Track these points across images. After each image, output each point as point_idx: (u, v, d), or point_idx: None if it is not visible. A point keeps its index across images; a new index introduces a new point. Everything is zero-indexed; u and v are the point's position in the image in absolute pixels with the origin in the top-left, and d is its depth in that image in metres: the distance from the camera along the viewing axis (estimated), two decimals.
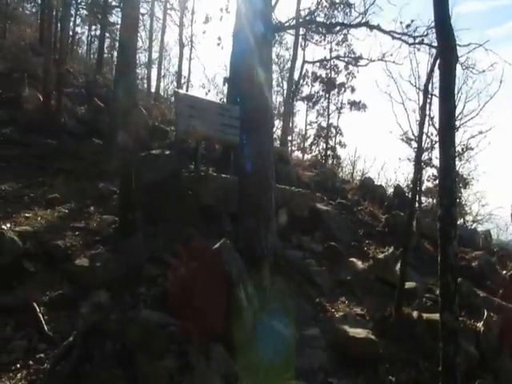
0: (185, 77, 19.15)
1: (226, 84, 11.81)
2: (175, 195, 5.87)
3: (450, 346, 2.32)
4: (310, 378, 3.56)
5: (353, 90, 22.43)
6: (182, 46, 16.67)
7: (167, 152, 6.61)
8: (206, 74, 46.51)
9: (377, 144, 40.73)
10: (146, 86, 18.26)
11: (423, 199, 17.86)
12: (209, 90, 19.53)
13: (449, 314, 2.32)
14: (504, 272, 6.50)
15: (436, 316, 4.59)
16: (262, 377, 3.46)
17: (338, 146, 22.24)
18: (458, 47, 2.83)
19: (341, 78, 22.43)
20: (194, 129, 6.55)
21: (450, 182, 2.43)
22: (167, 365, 2.96)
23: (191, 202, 6.10)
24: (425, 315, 4.53)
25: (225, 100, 11.90)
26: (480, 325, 4.64)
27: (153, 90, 17.52)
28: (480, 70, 17.26)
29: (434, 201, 17.20)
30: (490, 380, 4.24)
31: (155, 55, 19.41)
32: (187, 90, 17.75)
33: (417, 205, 16.14)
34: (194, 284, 3.78)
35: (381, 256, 5.69)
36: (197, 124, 6.65)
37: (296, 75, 17.87)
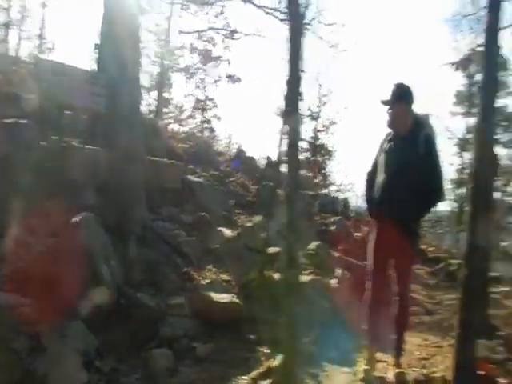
0: (50, 41, 17.57)
1: (97, 51, 11.12)
2: (33, 169, 5.44)
3: (292, 299, 2.54)
4: (174, 345, 3.64)
5: (229, 63, 22.59)
6: (44, 6, 15.21)
7: (24, 121, 6.06)
8: (75, 39, 43.05)
9: (254, 117, 41.80)
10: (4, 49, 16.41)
11: None
12: (78, 56, 18.21)
13: (291, 270, 2.53)
14: (357, 234, 7.24)
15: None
16: (125, 349, 3.45)
17: (214, 119, 22.36)
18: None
19: (218, 51, 22.40)
20: (56, 97, 6.08)
21: (292, 151, 2.61)
22: (17, 347, 2.80)
23: (52, 176, 5.71)
24: None
25: (96, 67, 11.21)
26: (333, 281, 5.13)
27: (13, 53, 15.82)
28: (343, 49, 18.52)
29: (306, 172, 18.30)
30: (341, 330, 4.72)
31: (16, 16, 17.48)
32: (51, 55, 16.33)
33: None
34: (51, 261, 3.60)
35: (249, 224, 5.94)
36: (60, 92, 6.18)
37: (174, 46, 17.47)
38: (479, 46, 4.23)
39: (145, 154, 5.72)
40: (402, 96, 3.64)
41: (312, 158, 18.76)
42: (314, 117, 20.03)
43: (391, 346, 3.73)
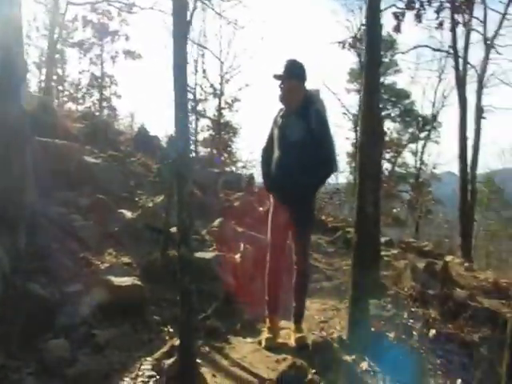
0: None
1: None
2: None
3: (186, 275, 2.53)
4: (72, 333, 3.47)
5: (127, 38, 21.54)
6: None
7: None
8: None
9: (157, 94, 40.59)
10: None
11: (200, 149, 18.81)
12: None
13: (185, 247, 2.51)
14: (260, 208, 7.40)
15: (199, 255, 4.97)
16: (16, 344, 3.22)
17: (113, 97, 21.36)
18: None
19: (114, 25, 21.21)
20: None
21: (182, 129, 2.56)
22: None
23: None
24: None
25: None
26: (237, 256, 5.20)
27: None
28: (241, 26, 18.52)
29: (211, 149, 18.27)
30: (245, 303, 4.82)
31: None
32: None
33: (194, 154, 16.91)
34: None
35: (150, 205, 5.80)
36: None
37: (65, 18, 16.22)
38: (363, 25, 4.43)
39: (32, 135, 5.28)
40: (293, 72, 3.72)
41: (217, 136, 18.73)
42: (217, 94, 19.94)
43: (292, 313, 3.89)
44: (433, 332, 4.12)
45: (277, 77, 3.72)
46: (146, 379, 3.12)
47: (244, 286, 5.00)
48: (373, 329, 3.90)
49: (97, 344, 3.44)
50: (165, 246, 4.66)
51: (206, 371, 3.28)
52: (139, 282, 4.19)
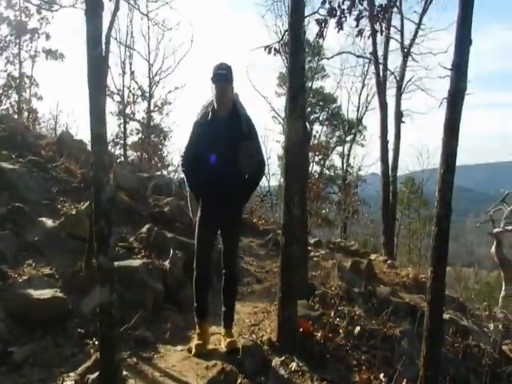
0: None
1: None
2: None
3: (107, 285, 2.44)
4: None
5: (48, 37, 20.44)
6: None
7: None
8: None
9: (81, 96, 38.88)
10: None
11: (129, 152, 18.29)
12: None
13: (103, 256, 2.42)
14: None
15: (126, 262, 4.82)
16: None
17: (33, 99, 20.16)
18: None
19: (33, 23, 20.05)
20: None
21: (98, 132, 2.47)
22: None
23: None
24: (116, 263, 4.67)
25: None
26: (167, 263, 5.11)
27: None
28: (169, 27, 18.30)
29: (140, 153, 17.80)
30: (175, 310, 4.75)
31: None
32: None
33: (123, 158, 16.41)
34: None
35: (73, 212, 5.53)
36: None
37: None
38: (287, 30, 4.53)
39: None
40: (228, 75, 3.73)
41: (146, 140, 18.31)
42: (146, 97, 19.50)
43: (222, 318, 3.88)
44: (358, 329, 4.28)
45: (213, 79, 3.72)
46: None
47: (174, 292, 4.92)
48: (301, 329, 3.98)
49: (14, 362, 3.24)
50: (89, 255, 4.47)
51: (133, 383, 3.19)
52: (61, 294, 4.00)
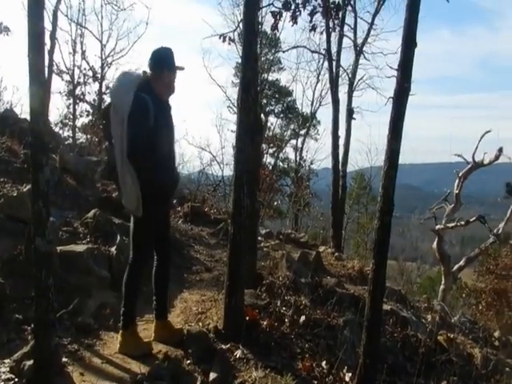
0: None
1: None
2: None
3: (43, 269, 2.35)
4: None
5: None
6: None
7: None
8: None
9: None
10: None
11: (79, 135, 17.65)
12: None
13: (40, 239, 2.33)
14: None
15: (70, 247, 4.67)
16: None
17: None
18: None
19: None
20: None
21: (37, 109, 2.35)
22: None
23: None
24: (59, 248, 4.52)
25: None
26: (113, 249, 4.98)
27: None
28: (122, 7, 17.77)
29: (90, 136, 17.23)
30: (120, 297, 4.64)
31: None
32: None
33: (71, 140, 15.82)
34: None
35: (15, 194, 5.28)
36: None
37: None
38: (241, 21, 4.50)
39: None
40: (175, 62, 3.65)
41: (97, 122, 17.70)
42: (98, 78, 18.85)
43: (155, 305, 3.80)
44: (303, 318, 4.36)
45: (179, 68, 3.62)
46: (3, 383, 2.86)
47: (119, 279, 4.81)
48: (247, 317, 4.00)
49: None
50: (30, 238, 4.28)
51: (73, 370, 3.11)
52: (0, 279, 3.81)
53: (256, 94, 4.94)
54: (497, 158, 12.49)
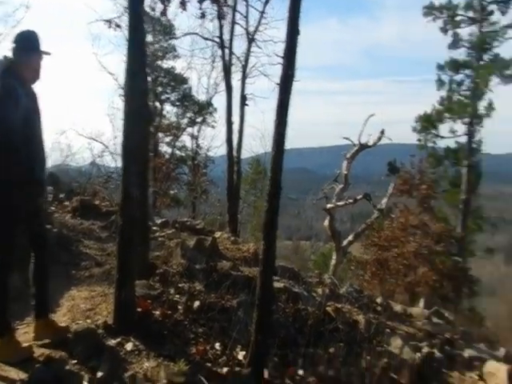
0: None
1: None
2: None
3: None
4: None
5: None
6: None
7: None
8: None
9: None
10: None
11: None
12: None
13: None
14: None
15: None
16: None
17: None
18: None
19: None
20: None
21: None
22: None
23: None
24: None
25: None
26: None
27: None
28: None
29: None
30: None
31: None
32: None
33: None
34: None
35: None
36: None
37: None
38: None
39: None
40: (40, 45, 3.42)
41: None
42: None
43: (35, 306, 3.59)
44: (197, 303, 4.41)
45: (45, 53, 3.38)
46: None
47: None
48: (139, 309, 3.95)
49: None
50: None
51: None
52: None
53: (144, 80, 4.82)
54: (379, 139, 13.59)
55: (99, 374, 3.10)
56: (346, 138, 13.84)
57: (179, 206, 19.04)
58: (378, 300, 7.58)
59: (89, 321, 3.97)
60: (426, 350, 5.55)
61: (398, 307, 7.70)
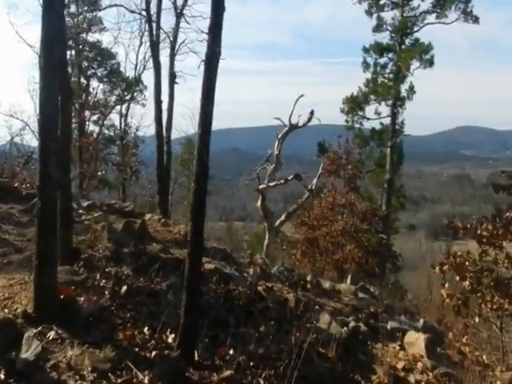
0: None
1: None
2: None
3: None
4: None
5: None
6: None
7: None
8: None
9: None
10: None
11: None
12: None
13: None
14: None
15: None
16: None
17: None
18: None
19: None
20: None
21: None
22: None
23: None
24: None
25: None
26: None
27: None
28: None
29: None
30: None
31: None
32: None
33: None
34: None
35: None
36: None
37: None
38: None
39: None
40: None
41: None
42: None
43: None
44: (124, 288, 4.29)
45: None
46: None
47: None
48: (62, 296, 3.77)
49: None
50: None
51: None
52: None
53: (62, 53, 4.51)
54: (309, 120, 13.79)
55: (18, 365, 2.93)
56: (277, 119, 13.91)
57: (108, 187, 18.36)
58: (308, 278, 7.80)
59: (6, 310, 3.74)
60: (352, 324, 5.81)
61: (327, 284, 7.97)
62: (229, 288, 5.41)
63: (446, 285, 4.98)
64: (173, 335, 3.90)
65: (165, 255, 5.51)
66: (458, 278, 5.14)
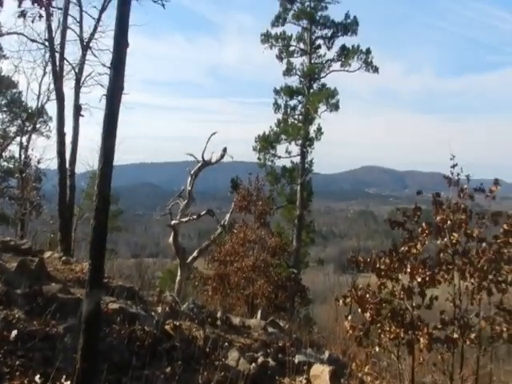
0: None
1: None
2: None
3: None
4: None
5: None
6: None
7: None
8: None
9: None
10: None
11: None
12: None
13: None
14: None
15: None
16: None
17: None
18: None
19: None
20: None
21: None
22: None
23: None
24: None
25: None
26: None
27: None
28: None
29: None
30: None
31: None
32: None
33: None
34: None
35: None
36: None
37: None
38: None
39: None
40: None
41: None
42: None
43: None
44: (14, 333, 3.93)
45: None
46: None
47: None
48: None
49: None
50: None
51: None
52: None
53: None
54: (222, 157, 14.02)
55: None
56: (190, 155, 13.98)
57: (6, 223, 16.94)
58: (218, 314, 7.70)
59: None
60: (261, 359, 5.79)
61: (237, 320, 7.92)
62: (134, 328, 5.17)
63: (349, 317, 5.17)
64: (68, 382, 3.62)
65: (64, 295, 5.17)
66: (359, 309, 5.37)
